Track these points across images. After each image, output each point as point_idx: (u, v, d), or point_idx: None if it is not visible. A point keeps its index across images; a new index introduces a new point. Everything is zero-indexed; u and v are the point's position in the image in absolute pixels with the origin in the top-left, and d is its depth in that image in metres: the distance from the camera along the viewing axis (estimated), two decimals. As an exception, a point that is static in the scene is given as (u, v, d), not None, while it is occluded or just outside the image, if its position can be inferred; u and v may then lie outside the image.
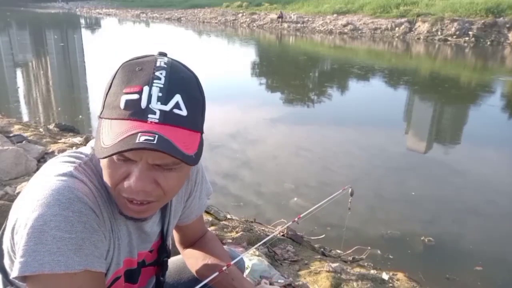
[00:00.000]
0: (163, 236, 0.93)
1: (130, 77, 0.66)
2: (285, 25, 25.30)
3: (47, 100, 8.21)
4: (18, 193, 2.48)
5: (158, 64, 0.68)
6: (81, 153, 0.78)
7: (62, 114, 6.96)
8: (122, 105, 0.63)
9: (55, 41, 19.26)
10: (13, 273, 0.63)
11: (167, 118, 0.64)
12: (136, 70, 0.66)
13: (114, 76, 0.68)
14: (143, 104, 0.63)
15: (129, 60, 0.70)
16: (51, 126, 5.09)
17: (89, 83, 9.61)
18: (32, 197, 0.66)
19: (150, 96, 0.63)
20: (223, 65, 12.28)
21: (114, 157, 0.65)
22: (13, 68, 11.94)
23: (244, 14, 29.80)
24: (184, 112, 0.65)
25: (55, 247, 0.63)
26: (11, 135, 3.91)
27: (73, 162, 0.74)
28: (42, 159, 3.38)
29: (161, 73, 0.66)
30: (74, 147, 3.77)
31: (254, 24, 27.11)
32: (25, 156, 3.09)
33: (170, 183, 0.68)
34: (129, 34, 22.93)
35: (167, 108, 0.64)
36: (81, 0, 59.28)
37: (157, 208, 0.76)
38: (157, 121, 0.63)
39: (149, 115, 0.63)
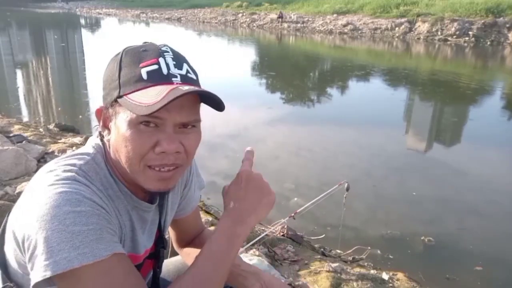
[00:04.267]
0: (160, 227, 0.95)
1: (140, 56, 0.73)
2: (285, 25, 25.30)
3: (47, 100, 8.22)
4: (18, 193, 2.48)
5: (158, 44, 0.77)
6: (81, 154, 0.78)
7: (62, 114, 6.97)
8: (145, 77, 0.71)
9: (55, 41, 19.27)
10: (39, 275, 0.64)
11: (186, 79, 0.74)
12: (141, 51, 0.74)
13: (121, 60, 0.74)
14: (164, 71, 0.72)
15: (129, 47, 0.77)
16: (51, 126, 5.09)
17: (89, 83, 9.61)
18: (39, 203, 0.66)
19: (167, 64, 0.73)
20: (223, 65, 12.29)
21: (141, 125, 0.71)
22: (13, 68, 11.95)
23: (244, 14, 29.81)
24: (194, 76, 0.76)
25: (78, 242, 0.64)
26: (11, 135, 3.92)
27: (74, 165, 0.74)
28: (42, 159, 3.38)
29: (166, 49, 0.76)
30: (74, 147, 3.77)
31: (254, 24, 27.12)
32: (25, 156, 3.09)
33: (191, 143, 0.76)
34: (129, 34, 22.94)
35: (183, 72, 0.74)
36: (81, 0, 59.30)
37: (180, 175, 0.80)
38: (180, 82, 0.72)
39: (173, 78, 0.72)
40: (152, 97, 0.68)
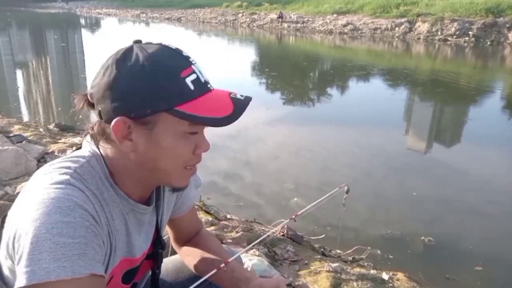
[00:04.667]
0: (157, 228, 0.95)
1: (174, 64, 0.73)
2: (285, 25, 25.29)
3: (47, 100, 8.22)
4: (18, 193, 2.48)
5: (173, 47, 0.77)
6: (76, 156, 0.78)
7: (62, 114, 6.96)
8: (192, 87, 0.73)
9: (55, 41, 19.28)
10: (19, 282, 0.63)
11: (211, 84, 0.79)
12: (168, 57, 0.74)
13: (151, 69, 0.71)
14: (202, 79, 0.75)
15: (148, 53, 0.73)
16: (51, 126, 5.09)
17: (89, 83, 9.59)
18: (32, 207, 0.66)
19: (200, 71, 0.76)
20: (223, 65, 12.28)
21: (188, 134, 0.75)
22: (13, 68, 11.95)
23: (244, 14, 29.80)
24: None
25: (60, 254, 0.63)
26: (11, 135, 3.92)
27: (69, 168, 0.74)
28: (42, 159, 3.38)
29: (186, 54, 0.77)
30: (74, 147, 3.77)
31: (254, 24, 27.11)
32: (25, 156, 3.09)
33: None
34: (129, 34, 22.93)
35: (208, 78, 0.78)
36: (81, 0, 59.30)
37: None
38: (212, 88, 0.78)
39: (208, 85, 0.77)
40: (219, 109, 0.74)
